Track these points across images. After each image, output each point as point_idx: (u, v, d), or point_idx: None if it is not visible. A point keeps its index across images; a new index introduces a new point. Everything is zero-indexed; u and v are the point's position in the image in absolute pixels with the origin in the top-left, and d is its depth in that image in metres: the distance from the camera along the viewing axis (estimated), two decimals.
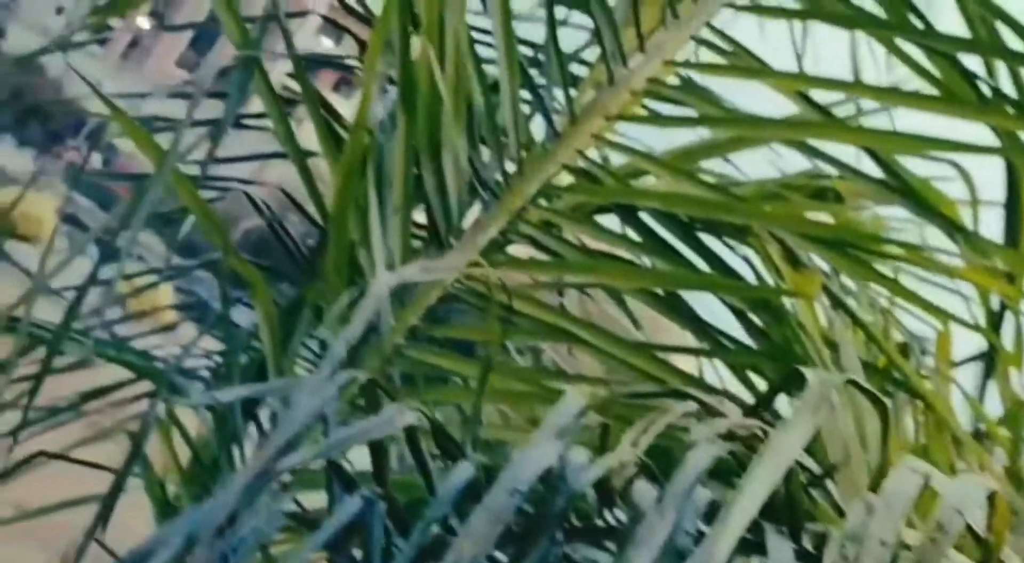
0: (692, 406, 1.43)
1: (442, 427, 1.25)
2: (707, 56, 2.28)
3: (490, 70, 2.30)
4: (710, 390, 1.91)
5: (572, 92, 2.22)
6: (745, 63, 2.20)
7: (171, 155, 1.85)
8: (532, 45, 2.38)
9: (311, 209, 2.30)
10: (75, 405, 2.17)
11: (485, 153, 2.18)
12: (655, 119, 2.21)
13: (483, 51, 2.29)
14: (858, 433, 1.69)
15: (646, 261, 2.24)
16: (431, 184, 2.12)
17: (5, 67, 74.70)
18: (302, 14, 2.94)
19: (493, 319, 1.83)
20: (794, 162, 2.38)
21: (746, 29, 2.37)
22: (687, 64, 2.20)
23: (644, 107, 2.28)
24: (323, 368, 1.23)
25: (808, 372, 1.25)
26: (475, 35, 2.24)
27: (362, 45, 2.41)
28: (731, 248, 2.24)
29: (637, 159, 2.22)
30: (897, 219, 2.44)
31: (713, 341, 2.15)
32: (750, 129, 2.20)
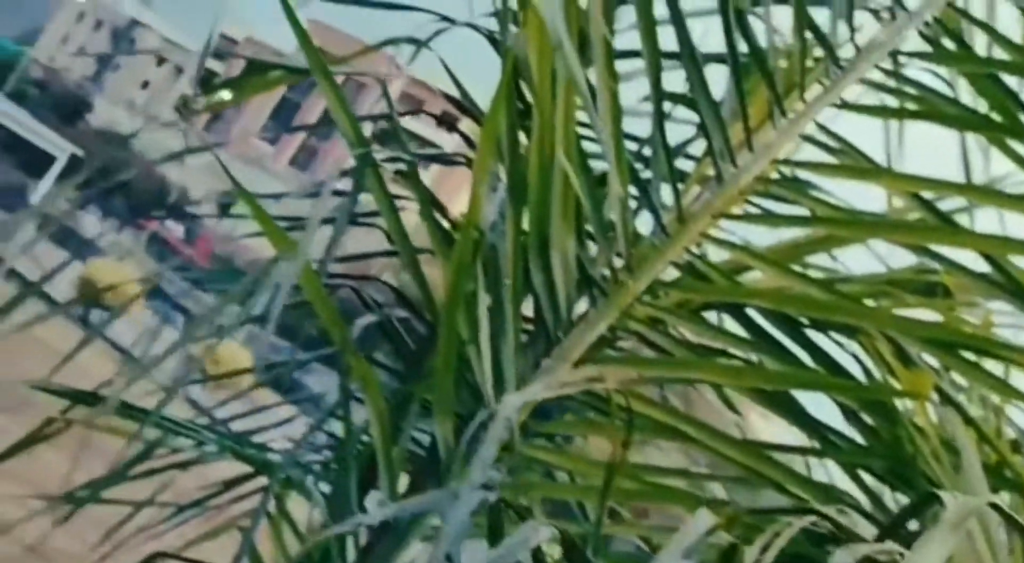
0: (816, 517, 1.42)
1: (574, 542, 1.25)
2: (813, 152, 2.28)
3: (595, 162, 2.33)
4: (832, 497, 1.89)
5: (679, 186, 2.23)
6: (853, 161, 2.20)
7: (303, 249, 1.88)
8: (636, 139, 2.40)
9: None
10: (197, 502, 2.20)
11: (592, 248, 2.20)
12: (765, 218, 2.22)
13: (587, 145, 2.32)
14: (990, 550, 1.66)
15: (752, 357, 2.23)
16: (539, 280, 2.13)
17: (91, 140, 76.65)
18: (415, 112, 2.98)
19: (615, 421, 1.83)
20: (900, 254, 2.37)
21: (847, 122, 2.38)
22: (797, 163, 2.21)
23: (750, 202, 2.28)
24: (467, 489, 1.24)
25: (946, 497, 1.23)
26: (581, 128, 2.27)
27: (469, 141, 2.44)
28: (839, 344, 2.23)
29: (743, 255, 2.23)
30: (1005, 313, 2.42)
31: (823, 439, 2.13)
32: (859, 229, 2.20)
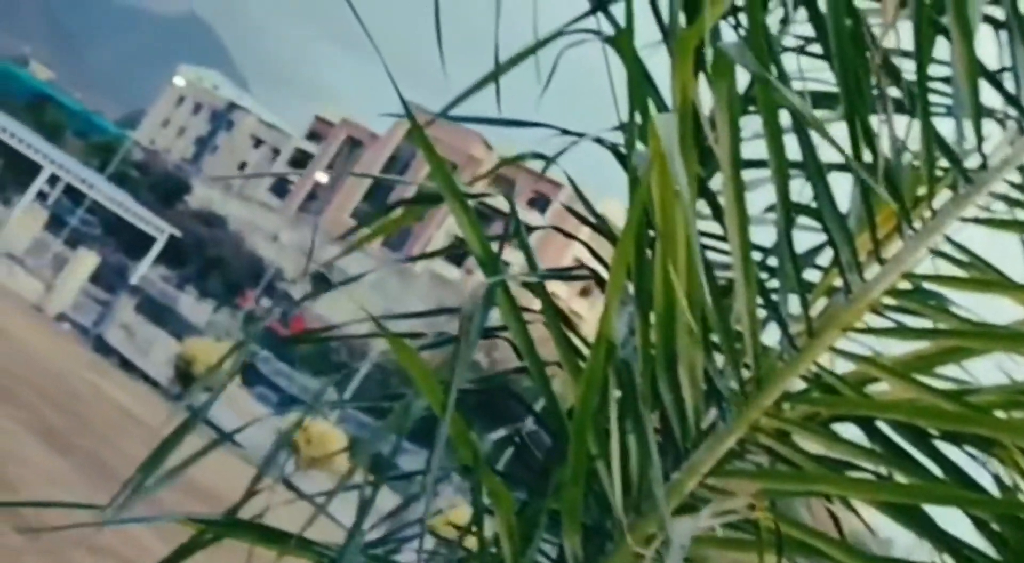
0: None
1: None
2: (940, 262, 2.27)
3: (718, 267, 2.33)
4: None
5: (806, 295, 2.23)
6: (981, 273, 2.19)
7: (457, 377, 1.91)
8: (760, 248, 2.40)
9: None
10: None
11: (720, 360, 2.20)
12: (895, 332, 2.20)
13: (709, 253, 2.33)
14: None
15: (882, 469, 2.21)
16: (667, 392, 2.14)
17: (189, 220, 77.92)
18: (540, 227, 3.01)
19: (763, 543, 1.83)
20: None
21: (974, 230, 2.36)
22: (927, 277, 2.20)
23: (878, 312, 2.27)
24: None
25: None
26: (704, 237, 2.28)
27: (596, 256, 2.46)
28: (971, 456, 2.21)
29: (871, 367, 2.21)
30: None
31: (956, 554, 2.10)
32: (989, 341, 2.18)
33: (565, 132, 2.34)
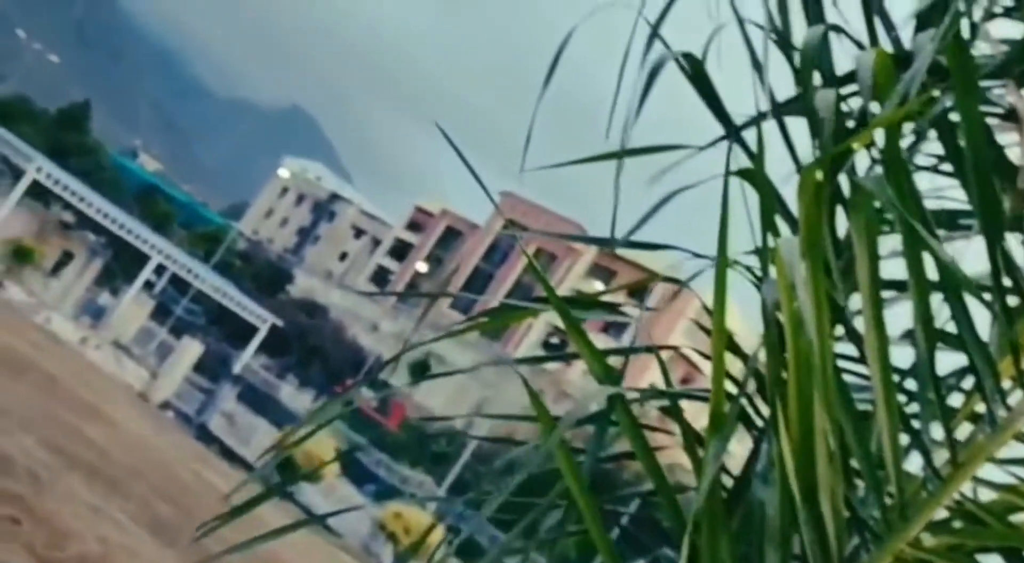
0: None
1: None
2: None
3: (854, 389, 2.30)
4: None
5: (949, 422, 2.19)
6: None
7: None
8: (899, 370, 2.37)
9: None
10: None
11: (861, 487, 2.16)
12: None
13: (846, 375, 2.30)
14: None
15: None
16: (807, 520, 2.10)
17: (291, 310, 78.63)
18: (673, 347, 3.01)
19: None
20: None
21: None
22: None
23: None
24: None
25: None
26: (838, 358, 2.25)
27: (729, 376, 2.44)
28: None
29: (1017, 497, 2.17)
30: None
31: None
32: None
33: (698, 256, 2.34)
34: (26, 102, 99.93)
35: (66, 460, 17.30)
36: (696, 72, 2.24)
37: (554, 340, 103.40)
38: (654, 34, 2.28)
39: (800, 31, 2.40)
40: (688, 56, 2.25)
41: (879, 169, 2.31)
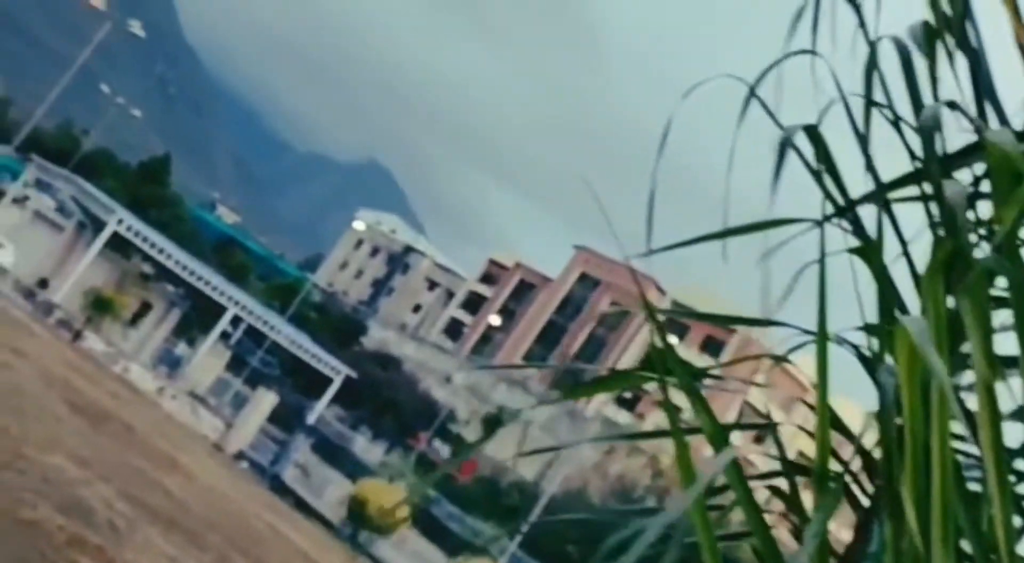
0: None
1: None
2: None
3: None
4: None
5: None
6: None
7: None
8: (1010, 451, 2.31)
9: None
10: None
11: None
12: None
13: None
14: None
15: None
16: None
17: (365, 361, 78.92)
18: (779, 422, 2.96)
19: None
20: None
21: None
22: None
23: None
24: None
25: None
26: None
27: (834, 452, 2.39)
28: None
29: None
30: None
31: None
32: None
33: (805, 331, 2.30)
34: (109, 155, 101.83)
35: (144, 511, 17.44)
36: (816, 146, 2.21)
37: (627, 395, 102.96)
38: (764, 109, 2.24)
39: (901, 107, 2.37)
40: (811, 130, 2.22)
41: (984, 245, 2.27)
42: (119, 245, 48.85)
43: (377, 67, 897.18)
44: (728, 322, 2.52)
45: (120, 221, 46.69)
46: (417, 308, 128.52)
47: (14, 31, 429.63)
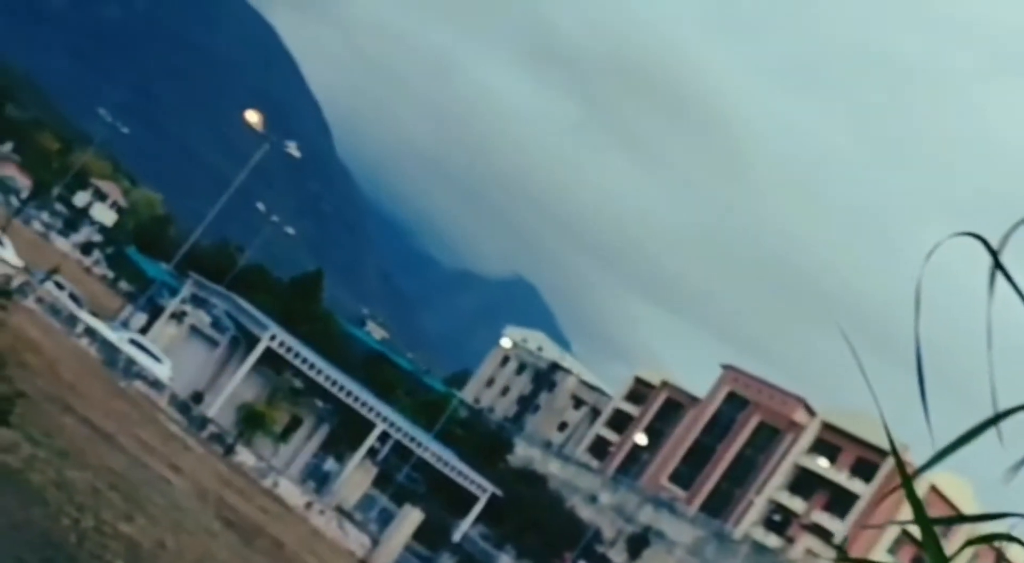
0: None
1: None
2: None
3: None
4: None
5: None
6: None
7: None
8: None
9: None
10: None
11: None
12: None
13: None
14: None
15: None
16: None
17: (511, 479, 78.56)
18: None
19: None
20: None
21: None
22: None
23: None
24: None
25: None
26: None
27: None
28: None
29: None
30: None
31: None
32: None
33: None
34: (263, 272, 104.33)
35: None
36: None
37: (776, 517, 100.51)
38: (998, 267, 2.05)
39: None
40: None
41: None
42: (271, 360, 49.67)
43: (525, 184, 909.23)
44: (957, 521, 2.31)
45: (273, 337, 47.54)
46: (563, 426, 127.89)
47: (178, 151, 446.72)
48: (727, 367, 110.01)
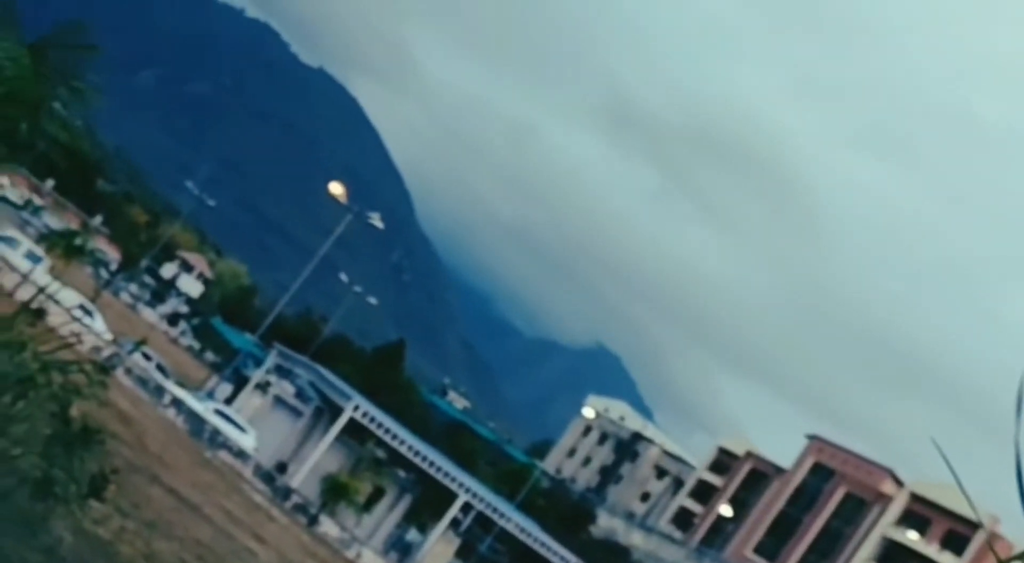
0: None
1: None
2: None
3: None
4: None
5: None
6: None
7: None
8: None
9: None
10: None
11: None
12: None
13: None
14: None
15: None
16: None
17: (593, 550, 77.93)
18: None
19: None
20: None
21: None
22: None
23: None
24: None
25: None
26: None
27: None
28: None
29: None
30: None
31: None
32: None
33: None
34: (346, 341, 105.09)
35: None
36: None
37: None
38: None
39: None
40: None
41: None
42: (355, 430, 49.85)
43: (605, 251, 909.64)
44: None
45: (356, 407, 47.75)
46: (646, 496, 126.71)
47: (263, 223, 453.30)
48: (812, 437, 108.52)
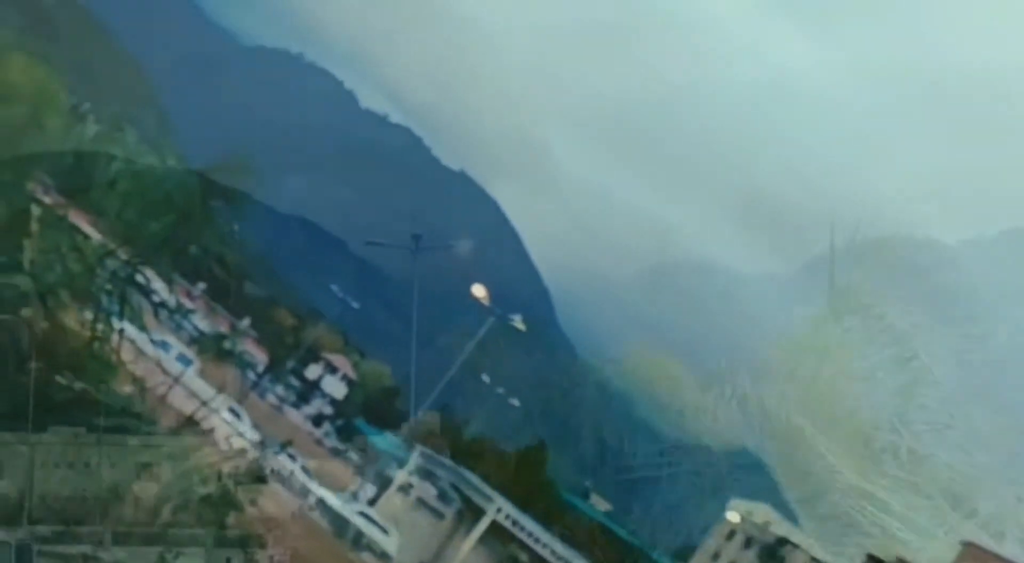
0: None
1: None
2: None
3: None
4: None
5: None
6: None
7: None
8: None
9: None
10: None
11: None
12: None
13: None
14: None
15: None
16: None
17: None
18: None
19: None
20: None
21: None
22: None
23: None
24: None
25: None
26: None
27: None
28: None
29: None
30: None
31: None
32: None
33: None
34: (488, 443, 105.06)
35: None
36: None
37: None
38: None
39: None
40: None
41: None
42: (497, 532, 49.69)
43: (746, 350, 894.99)
44: None
45: (499, 509, 47.68)
46: None
47: (406, 325, 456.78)
48: (967, 543, 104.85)
